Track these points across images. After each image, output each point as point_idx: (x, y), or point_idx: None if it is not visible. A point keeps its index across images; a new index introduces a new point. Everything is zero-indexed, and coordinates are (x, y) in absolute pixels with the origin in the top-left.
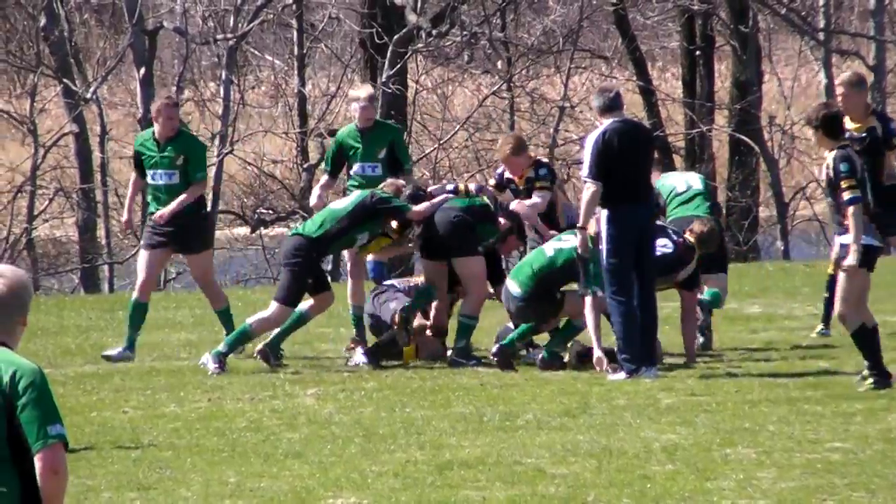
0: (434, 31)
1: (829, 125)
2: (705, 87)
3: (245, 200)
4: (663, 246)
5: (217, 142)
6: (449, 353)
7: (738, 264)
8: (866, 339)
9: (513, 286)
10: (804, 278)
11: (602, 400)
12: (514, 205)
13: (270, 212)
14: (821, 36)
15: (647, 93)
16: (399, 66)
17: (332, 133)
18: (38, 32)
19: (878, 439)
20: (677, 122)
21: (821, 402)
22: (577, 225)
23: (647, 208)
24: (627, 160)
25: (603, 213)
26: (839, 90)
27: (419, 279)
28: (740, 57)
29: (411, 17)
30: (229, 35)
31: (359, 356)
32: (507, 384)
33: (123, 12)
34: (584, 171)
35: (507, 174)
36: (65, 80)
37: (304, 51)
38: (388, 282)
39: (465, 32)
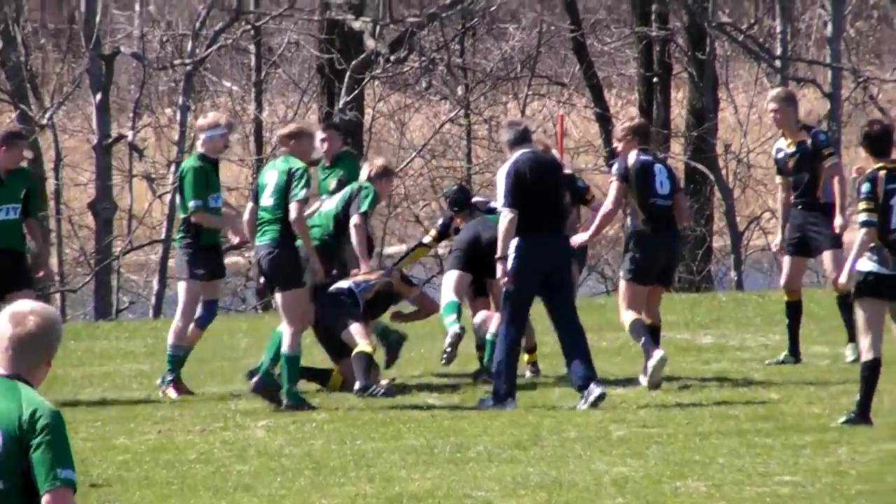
0: (392, 57)
1: (868, 142)
2: (662, 114)
3: None
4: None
5: (173, 168)
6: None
7: (690, 294)
8: (871, 374)
9: None
10: (757, 309)
11: (553, 432)
12: None
13: (225, 240)
14: (777, 63)
15: (604, 119)
16: (356, 92)
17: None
18: None
19: (827, 472)
20: None
21: (771, 435)
22: (496, 256)
23: (558, 239)
24: (539, 191)
25: (513, 243)
26: (770, 106)
27: (372, 276)
28: (697, 84)
29: (369, 43)
30: (187, 60)
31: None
32: (457, 416)
33: (81, 37)
34: (500, 201)
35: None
36: (21, 106)
37: (262, 76)
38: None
39: (423, 58)
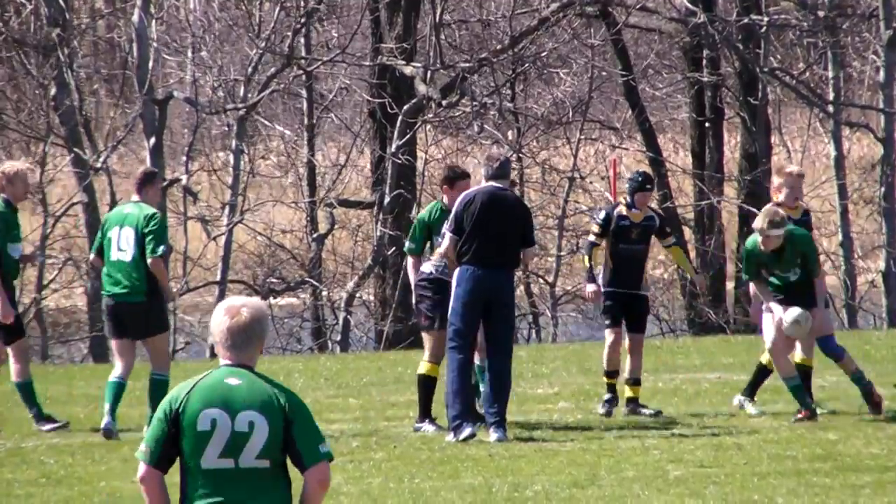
0: (444, 102)
1: None
2: (714, 158)
3: (255, 270)
4: None
5: (227, 211)
6: None
7: (747, 336)
8: None
9: None
10: (815, 351)
11: (611, 471)
12: None
13: (280, 281)
14: (830, 108)
15: (657, 164)
16: (409, 136)
17: (343, 203)
18: (49, 102)
19: None
20: (687, 194)
21: (829, 475)
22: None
23: (497, 273)
24: (485, 224)
25: (455, 272)
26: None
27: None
28: (749, 129)
29: (421, 88)
30: (239, 105)
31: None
32: (515, 455)
33: (133, 82)
34: (448, 224)
35: None
36: (75, 150)
37: (314, 121)
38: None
39: (474, 103)
